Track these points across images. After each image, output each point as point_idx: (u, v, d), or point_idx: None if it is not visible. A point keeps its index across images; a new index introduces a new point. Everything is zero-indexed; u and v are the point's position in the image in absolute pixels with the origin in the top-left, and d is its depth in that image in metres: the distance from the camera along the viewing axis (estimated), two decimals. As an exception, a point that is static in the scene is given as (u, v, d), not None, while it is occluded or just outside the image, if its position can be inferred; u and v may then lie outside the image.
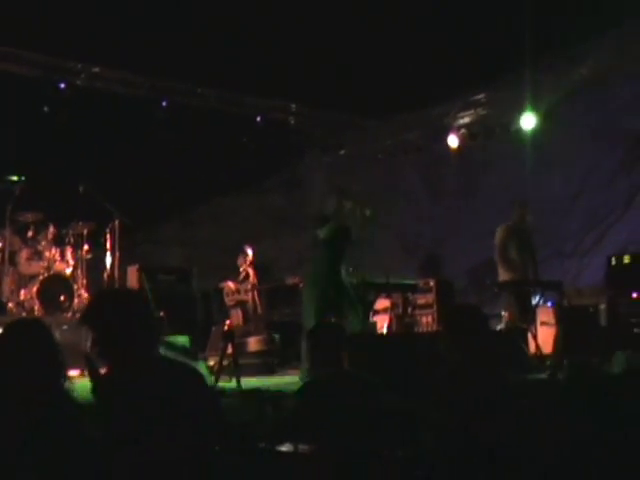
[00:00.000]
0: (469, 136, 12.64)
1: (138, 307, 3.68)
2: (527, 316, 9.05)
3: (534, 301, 9.28)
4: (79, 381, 3.81)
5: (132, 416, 3.37)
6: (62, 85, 11.34)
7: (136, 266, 10.90)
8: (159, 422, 3.35)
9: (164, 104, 12.14)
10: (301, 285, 9.64)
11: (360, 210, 8.13)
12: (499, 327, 9.59)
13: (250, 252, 11.35)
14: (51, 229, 10.58)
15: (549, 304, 9.81)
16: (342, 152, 14.39)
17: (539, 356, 8.56)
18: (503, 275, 9.48)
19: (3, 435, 3.32)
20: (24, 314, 10.08)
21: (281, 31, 10.53)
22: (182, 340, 8.61)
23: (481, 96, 12.54)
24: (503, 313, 9.60)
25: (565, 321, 9.12)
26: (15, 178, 10.24)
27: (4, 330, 3.65)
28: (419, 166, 13.99)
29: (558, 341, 8.78)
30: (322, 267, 8.13)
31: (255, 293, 11.22)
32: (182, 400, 3.42)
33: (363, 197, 8.45)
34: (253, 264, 11.32)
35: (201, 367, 7.34)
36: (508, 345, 8.02)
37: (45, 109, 11.32)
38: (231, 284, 11.30)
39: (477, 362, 4.34)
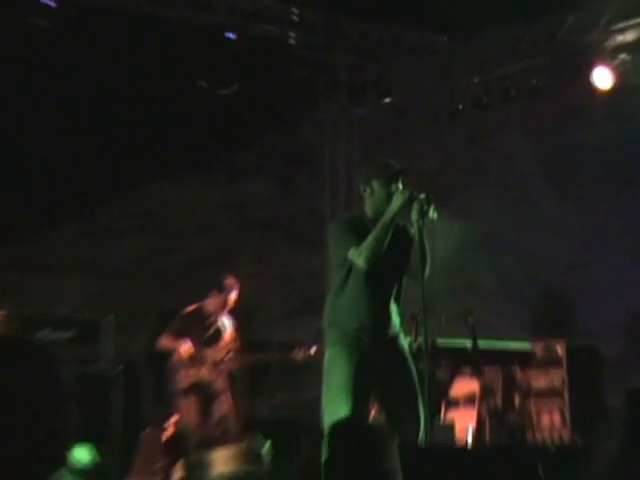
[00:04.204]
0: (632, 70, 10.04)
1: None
2: None
3: None
4: None
5: None
6: None
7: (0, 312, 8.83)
8: None
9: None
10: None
11: (422, 210, 6.00)
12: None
13: (234, 292, 9.04)
14: None
15: None
16: (387, 99, 11.61)
17: None
18: None
19: None
20: None
21: None
22: (84, 456, 7.41)
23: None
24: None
25: None
26: None
27: None
28: (530, 130, 11.59)
29: None
30: (356, 316, 6.23)
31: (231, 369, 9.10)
32: None
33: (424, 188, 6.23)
34: (232, 313, 9.07)
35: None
36: None
37: None
38: (186, 348, 8.72)
39: None
